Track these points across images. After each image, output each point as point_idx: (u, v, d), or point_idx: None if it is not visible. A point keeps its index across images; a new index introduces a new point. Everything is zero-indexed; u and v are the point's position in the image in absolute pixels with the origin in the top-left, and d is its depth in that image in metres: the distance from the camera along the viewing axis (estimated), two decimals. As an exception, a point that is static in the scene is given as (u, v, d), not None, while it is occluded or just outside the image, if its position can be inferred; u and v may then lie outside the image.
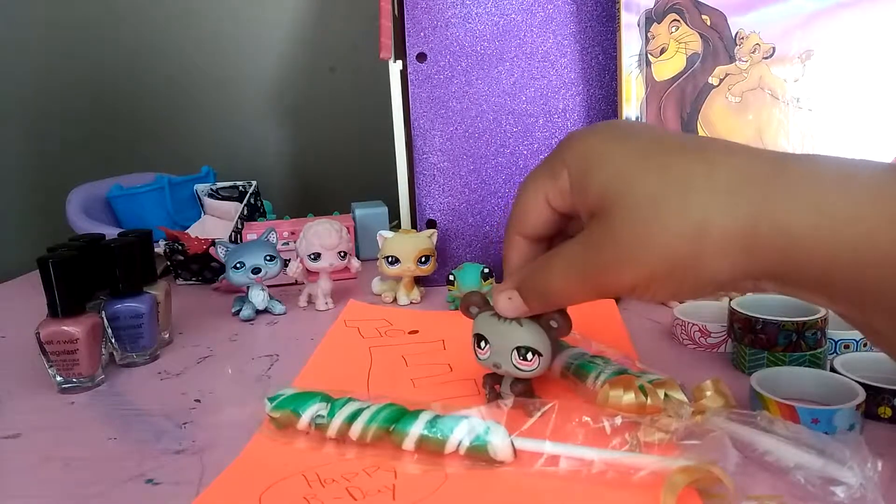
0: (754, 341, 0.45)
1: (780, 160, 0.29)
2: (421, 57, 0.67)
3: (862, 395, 0.37)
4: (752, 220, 0.27)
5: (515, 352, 0.38)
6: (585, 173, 0.32)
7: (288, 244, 0.74)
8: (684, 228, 0.28)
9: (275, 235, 0.65)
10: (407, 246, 0.63)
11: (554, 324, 0.38)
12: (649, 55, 0.61)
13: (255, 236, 0.70)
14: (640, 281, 0.30)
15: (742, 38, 0.60)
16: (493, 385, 0.42)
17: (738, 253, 0.28)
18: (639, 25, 0.61)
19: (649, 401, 0.38)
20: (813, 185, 0.27)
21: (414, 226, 0.71)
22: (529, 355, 0.38)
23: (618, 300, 0.61)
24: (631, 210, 0.30)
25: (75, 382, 0.48)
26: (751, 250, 0.27)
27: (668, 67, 0.61)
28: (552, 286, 0.34)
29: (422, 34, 0.67)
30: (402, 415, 0.37)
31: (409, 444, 0.36)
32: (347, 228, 0.66)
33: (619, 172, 0.31)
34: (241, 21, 1.06)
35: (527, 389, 0.40)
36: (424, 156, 0.69)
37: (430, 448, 0.36)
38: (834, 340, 0.46)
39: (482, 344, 0.40)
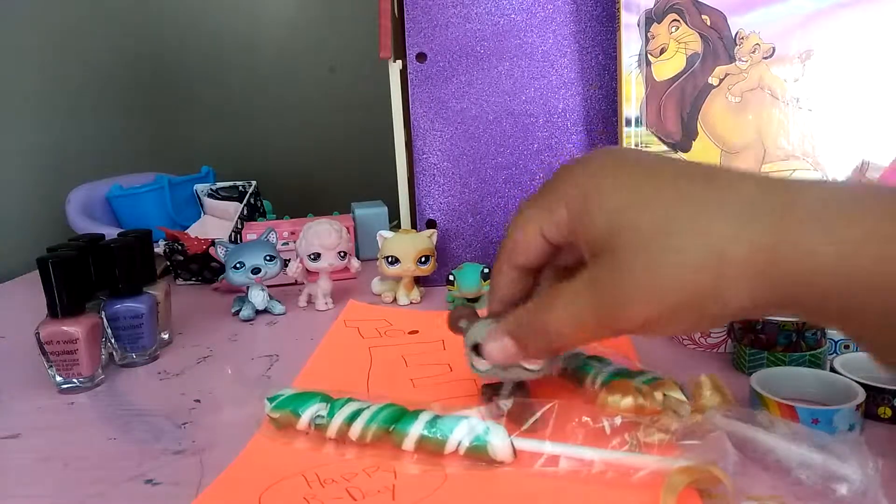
0: (754, 341, 0.45)
1: (789, 187, 0.28)
2: (421, 57, 0.67)
3: (862, 395, 0.37)
4: (770, 248, 0.26)
5: None
6: (586, 206, 0.31)
7: (288, 244, 0.74)
8: (700, 260, 0.27)
9: (275, 235, 0.65)
10: (407, 246, 0.63)
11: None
12: (649, 55, 0.61)
13: (254, 236, 0.70)
14: (653, 317, 0.29)
15: (742, 38, 0.60)
16: (491, 396, 0.40)
17: (757, 283, 0.27)
18: (639, 25, 0.61)
19: (648, 403, 0.38)
20: (825, 211, 0.26)
21: (414, 226, 0.71)
22: None
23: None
24: (641, 243, 0.28)
25: (75, 383, 0.48)
26: (770, 279, 0.27)
27: (668, 67, 0.61)
28: (558, 329, 0.32)
29: (422, 34, 0.67)
30: (401, 415, 0.37)
31: (408, 444, 0.36)
32: (347, 228, 0.66)
33: (625, 204, 0.30)
34: (242, 21, 1.06)
35: (526, 396, 0.39)
36: (424, 156, 0.69)
37: (430, 448, 0.36)
38: (834, 340, 0.46)
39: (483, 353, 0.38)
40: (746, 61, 0.60)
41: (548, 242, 0.35)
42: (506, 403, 0.37)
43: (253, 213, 0.85)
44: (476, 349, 0.39)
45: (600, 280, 0.30)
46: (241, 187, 0.88)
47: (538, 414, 0.36)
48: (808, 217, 0.26)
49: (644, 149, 0.61)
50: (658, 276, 0.28)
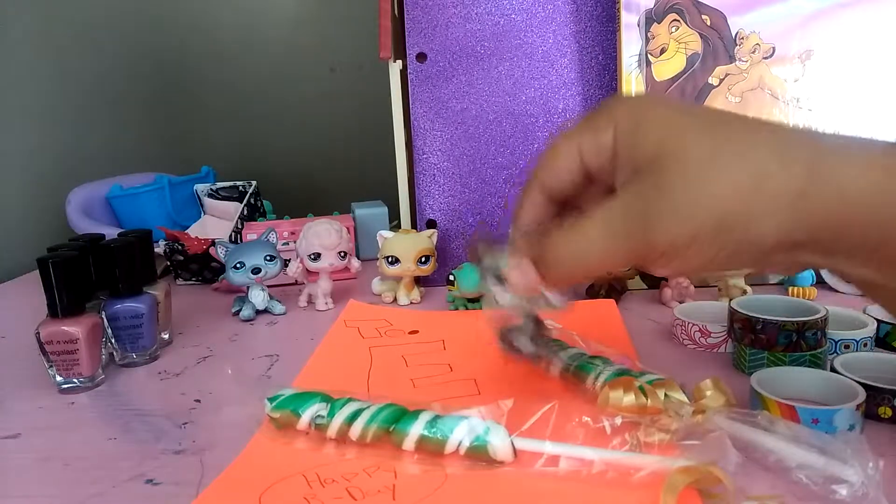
0: (754, 341, 0.45)
1: (819, 132, 0.29)
2: (421, 57, 0.67)
3: (862, 395, 0.37)
4: (806, 175, 0.27)
5: None
6: (638, 128, 0.32)
7: (288, 244, 0.74)
8: (740, 180, 0.28)
9: (275, 235, 0.65)
10: (407, 246, 0.63)
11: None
12: (649, 55, 0.61)
13: (255, 236, 0.70)
14: (683, 238, 0.29)
15: (742, 38, 0.60)
16: (508, 338, 0.40)
17: (788, 212, 0.27)
18: (639, 25, 0.61)
19: (649, 402, 0.38)
20: (861, 147, 0.27)
21: (414, 226, 0.71)
22: None
23: (623, 289, 0.61)
24: (687, 163, 0.29)
25: (75, 382, 0.48)
26: (804, 206, 0.27)
27: (668, 67, 0.61)
28: (591, 247, 0.32)
29: (422, 34, 0.67)
30: (402, 415, 0.37)
31: (409, 444, 0.36)
32: (347, 228, 0.66)
33: (676, 129, 0.31)
34: (242, 21, 1.06)
35: (543, 336, 0.39)
36: (424, 156, 0.69)
37: (430, 448, 0.36)
38: (834, 340, 0.46)
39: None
40: (746, 61, 0.60)
41: (582, 167, 0.35)
42: (506, 403, 0.37)
43: (253, 213, 0.85)
44: (500, 279, 0.37)
45: (641, 195, 0.31)
46: (241, 187, 0.88)
47: (538, 414, 0.36)
48: (842, 149, 0.28)
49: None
50: (696, 195, 0.29)
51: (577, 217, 0.34)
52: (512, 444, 0.35)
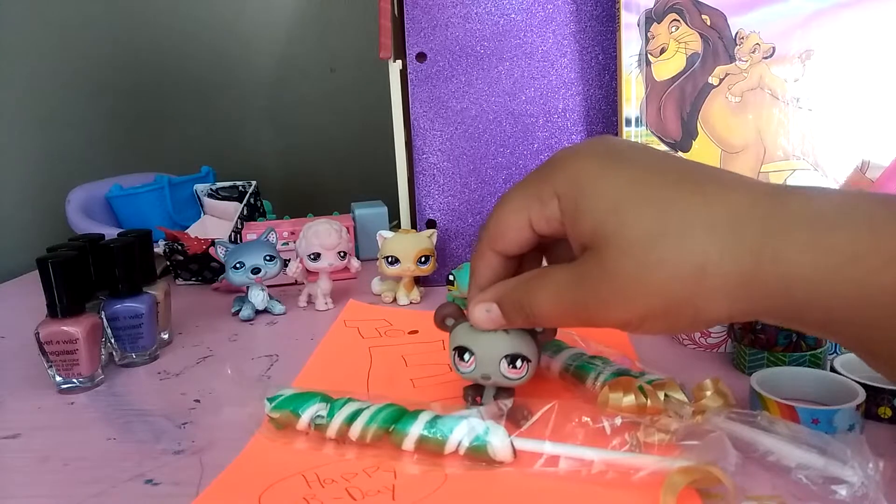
0: (754, 341, 0.45)
1: (777, 196, 0.28)
2: (421, 57, 0.67)
3: (862, 395, 0.37)
4: (751, 261, 0.27)
5: (504, 360, 0.37)
6: (577, 204, 0.31)
7: (288, 244, 0.74)
8: (682, 270, 0.28)
9: (274, 235, 0.65)
10: (407, 246, 0.63)
11: (539, 328, 0.37)
12: (649, 55, 0.61)
13: (254, 236, 0.70)
14: (633, 319, 0.30)
15: (742, 38, 0.60)
16: (474, 397, 0.40)
17: (736, 295, 0.27)
18: (639, 25, 0.61)
19: (649, 402, 0.38)
20: (811, 224, 0.26)
21: (414, 226, 0.71)
22: (519, 363, 0.37)
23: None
24: (626, 248, 0.29)
25: (75, 382, 0.48)
26: (750, 292, 0.27)
27: (668, 67, 0.61)
28: (540, 308, 0.33)
29: (422, 34, 0.67)
30: (401, 415, 0.37)
31: (408, 444, 0.36)
32: (347, 228, 0.66)
33: (614, 206, 0.30)
34: (241, 21, 1.06)
35: (510, 398, 0.39)
36: (424, 156, 0.69)
37: (430, 448, 0.36)
38: (834, 340, 0.46)
39: (465, 356, 0.38)
40: (746, 61, 0.60)
41: (535, 233, 0.35)
42: (506, 403, 0.37)
43: (253, 213, 0.85)
44: (459, 351, 0.38)
45: (585, 277, 0.31)
46: (241, 187, 0.88)
47: (538, 414, 0.36)
48: (790, 229, 0.27)
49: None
50: (639, 284, 0.29)
51: (535, 273, 0.34)
52: (511, 444, 0.35)
